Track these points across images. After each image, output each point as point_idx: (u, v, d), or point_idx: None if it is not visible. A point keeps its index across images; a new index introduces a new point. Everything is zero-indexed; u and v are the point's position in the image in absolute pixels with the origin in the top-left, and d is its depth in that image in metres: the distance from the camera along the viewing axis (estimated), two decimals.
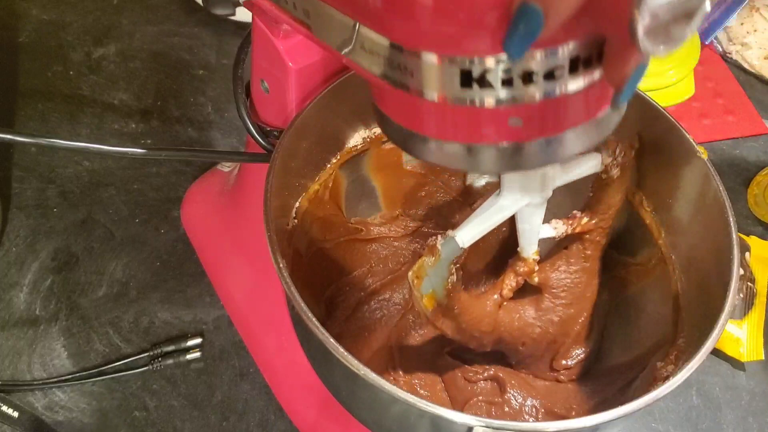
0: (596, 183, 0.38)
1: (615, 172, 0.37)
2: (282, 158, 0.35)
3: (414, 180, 0.49)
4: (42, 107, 0.65)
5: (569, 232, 0.38)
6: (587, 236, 0.39)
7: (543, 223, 0.36)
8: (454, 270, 0.34)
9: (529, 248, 0.37)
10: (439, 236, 0.33)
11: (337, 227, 0.47)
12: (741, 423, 0.52)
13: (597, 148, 0.36)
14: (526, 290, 0.41)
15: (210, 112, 0.67)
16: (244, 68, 0.41)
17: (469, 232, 0.33)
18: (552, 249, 0.42)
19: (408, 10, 0.20)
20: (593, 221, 0.39)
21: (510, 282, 0.38)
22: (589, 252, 0.40)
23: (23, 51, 0.69)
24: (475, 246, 0.50)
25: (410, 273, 0.33)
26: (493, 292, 0.39)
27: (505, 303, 0.39)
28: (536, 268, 0.38)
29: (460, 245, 0.33)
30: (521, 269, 0.38)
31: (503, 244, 0.49)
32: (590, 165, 0.36)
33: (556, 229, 0.38)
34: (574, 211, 0.39)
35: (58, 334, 0.52)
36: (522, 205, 0.33)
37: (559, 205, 0.46)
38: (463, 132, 0.22)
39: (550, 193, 0.33)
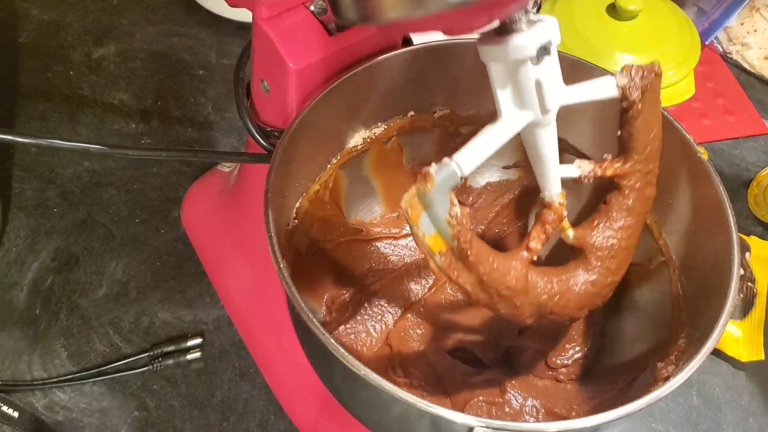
0: (622, 118, 0.33)
1: (636, 95, 0.31)
2: (282, 158, 0.35)
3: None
4: (42, 107, 0.65)
5: (598, 174, 0.33)
6: (625, 182, 0.34)
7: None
8: (455, 201, 0.28)
9: (550, 188, 0.33)
10: (433, 164, 0.28)
11: (338, 227, 0.47)
12: (741, 423, 0.52)
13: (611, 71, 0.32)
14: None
15: (210, 112, 0.67)
16: (245, 69, 0.41)
17: (466, 156, 0.28)
18: (590, 206, 0.38)
19: None
20: (627, 164, 0.33)
21: (538, 234, 0.33)
22: (630, 202, 0.34)
23: (23, 51, 0.69)
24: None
25: (402, 202, 0.28)
26: (519, 249, 0.33)
27: (535, 259, 0.33)
28: (565, 213, 0.33)
29: (457, 171, 0.28)
30: (549, 217, 0.33)
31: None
32: (602, 86, 0.31)
33: (581, 168, 0.33)
34: (605, 155, 0.34)
35: (58, 334, 0.52)
36: (524, 124, 0.29)
37: None
38: None
39: (553, 111, 0.29)
